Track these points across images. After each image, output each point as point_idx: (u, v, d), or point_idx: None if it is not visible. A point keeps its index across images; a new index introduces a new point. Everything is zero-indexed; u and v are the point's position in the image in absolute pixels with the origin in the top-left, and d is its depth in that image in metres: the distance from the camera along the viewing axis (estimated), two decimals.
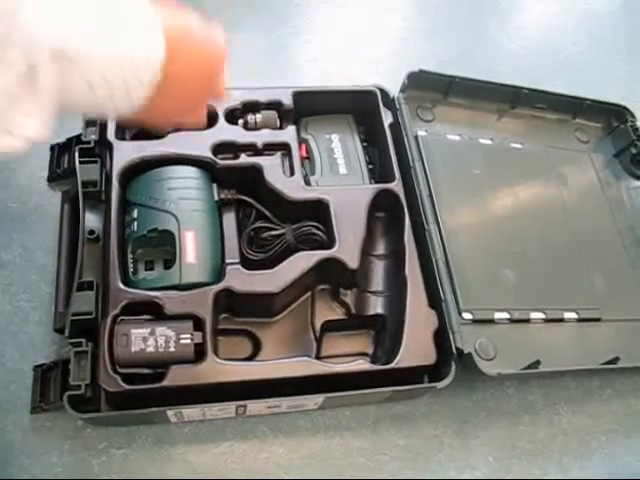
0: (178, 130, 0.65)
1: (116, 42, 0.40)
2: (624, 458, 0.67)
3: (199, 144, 0.66)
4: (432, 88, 0.78)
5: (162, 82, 0.43)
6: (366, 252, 0.65)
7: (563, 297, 0.70)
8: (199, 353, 0.56)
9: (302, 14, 0.98)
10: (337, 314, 0.66)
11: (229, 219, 0.65)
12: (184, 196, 0.62)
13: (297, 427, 0.63)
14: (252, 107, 0.70)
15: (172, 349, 0.55)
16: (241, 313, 0.63)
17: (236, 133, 0.68)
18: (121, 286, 0.57)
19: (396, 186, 0.68)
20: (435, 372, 0.61)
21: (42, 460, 0.59)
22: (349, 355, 0.64)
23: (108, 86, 0.40)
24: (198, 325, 0.57)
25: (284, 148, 0.68)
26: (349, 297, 0.66)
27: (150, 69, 0.42)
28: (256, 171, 0.66)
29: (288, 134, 0.69)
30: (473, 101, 0.80)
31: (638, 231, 0.79)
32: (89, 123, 0.65)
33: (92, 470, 0.59)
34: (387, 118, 0.73)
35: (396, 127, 0.72)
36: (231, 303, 0.61)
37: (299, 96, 0.71)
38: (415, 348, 0.60)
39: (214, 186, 0.65)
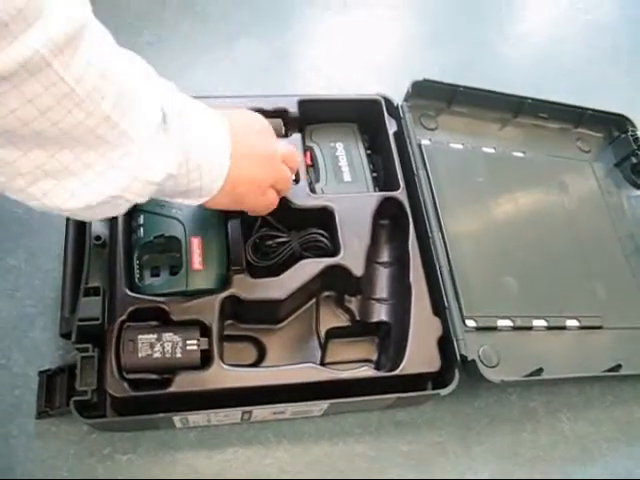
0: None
1: (204, 124, 0.49)
2: (625, 466, 0.68)
3: None
4: (436, 97, 0.79)
5: (235, 149, 0.51)
6: (371, 259, 0.66)
7: (565, 305, 0.71)
8: (205, 359, 0.56)
9: (305, 22, 0.99)
10: (342, 321, 0.66)
11: (235, 226, 0.65)
12: None
13: (301, 433, 0.64)
14: None
15: (179, 355, 0.55)
16: (246, 319, 0.63)
17: None
18: (127, 292, 0.58)
19: (400, 194, 0.69)
20: (439, 379, 0.62)
21: (47, 465, 0.59)
22: (353, 362, 0.64)
23: (203, 139, 0.48)
24: (204, 331, 0.57)
25: None
26: (354, 304, 0.66)
27: (224, 133, 0.50)
28: None
29: (293, 142, 0.70)
30: (476, 110, 0.81)
31: (638, 239, 0.80)
32: None
33: (97, 475, 0.59)
34: (391, 126, 0.73)
35: (400, 135, 0.73)
36: (237, 309, 0.61)
37: (304, 104, 0.72)
38: (419, 355, 0.60)
39: None
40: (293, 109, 0.71)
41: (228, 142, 0.50)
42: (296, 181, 0.67)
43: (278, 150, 0.58)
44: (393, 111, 0.75)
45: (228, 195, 0.52)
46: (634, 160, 0.83)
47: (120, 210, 0.45)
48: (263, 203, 0.59)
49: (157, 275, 0.61)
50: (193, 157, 0.46)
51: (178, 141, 0.44)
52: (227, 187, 0.51)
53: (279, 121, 0.70)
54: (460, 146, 0.78)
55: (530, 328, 0.67)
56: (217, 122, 0.51)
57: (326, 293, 0.66)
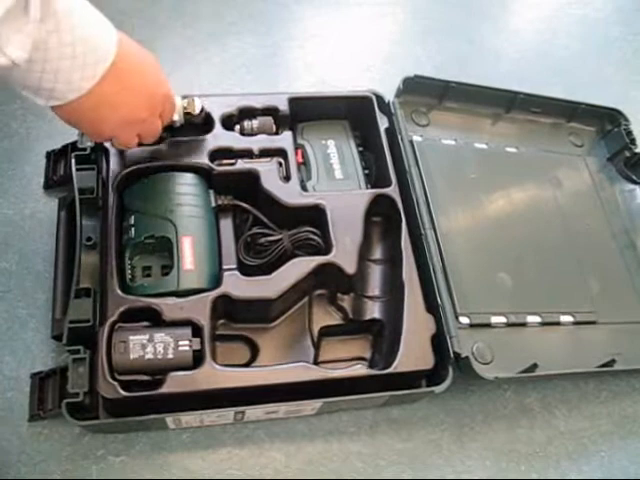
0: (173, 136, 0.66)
1: (86, 20, 0.45)
2: (621, 460, 0.68)
3: (196, 150, 0.66)
4: (427, 93, 0.78)
5: (110, 74, 0.47)
6: (363, 257, 0.66)
7: (559, 300, 0.71)
8: (197, 359, 0.56)
9: (296, 20, 0.99)
10: (334, 319, 0.66)
11: (226, 225, 0.65)
12: (181, 202, 0.62)
13: (295, 432, 0.63)
14: (248, 113, 0.70)
15: (170, 356, 0.55)
16: (239, 319, 0.63)
17: (232, 139, 0.68)
18: (119, 293, 0.57)
19: (392, 191, 0.68)
20: (433, 376, 0.62)
21: (40, 468, 0.59)
22: (347, 360, 0.64)
23: (72, 48, 0.43)
24: (196, 331, 0.57)
25: (280, 154, 0.69)
26: (346, 302, 0.66)
27: (104, 54, 0.46)
28: (253, 177, 0.66)
29: (284, 140, 0.70)
30: (468, 106, 0.80)
31: (632, 234, 0.80)
32: None
33: (91, 477, 0.59)
34: (383, 123, 0.73)
35: (392, 132, 0.73)
36: (229, 309, 0.61)
37: (295, 102, 0.71)
38: (413, 353, 0.60)
39: (211, 192, 0.65)
40: (284, 107, 0.71)
41: (110, 51, 0.47)
42: (287, 179, 0.67)
43: (165, 89, 0.56)
44: (384, 108, 0.75)
45: (85, 112, 0.49)
46: (627, 154, 0.83)
47: None
48: (123, 136, 0.55)
49: (148, 275, 0.61)
50: (51, 53, 0.42)
51: (37, 30, 0.41)
52: (87, 102, 0.47)
53: (270, 119, 0.70)
54: (452, 142, 0.78)
55: (524, 324, 0.67)
56: (102, 29, 0.47)
57: (319, 291, 0.66)
